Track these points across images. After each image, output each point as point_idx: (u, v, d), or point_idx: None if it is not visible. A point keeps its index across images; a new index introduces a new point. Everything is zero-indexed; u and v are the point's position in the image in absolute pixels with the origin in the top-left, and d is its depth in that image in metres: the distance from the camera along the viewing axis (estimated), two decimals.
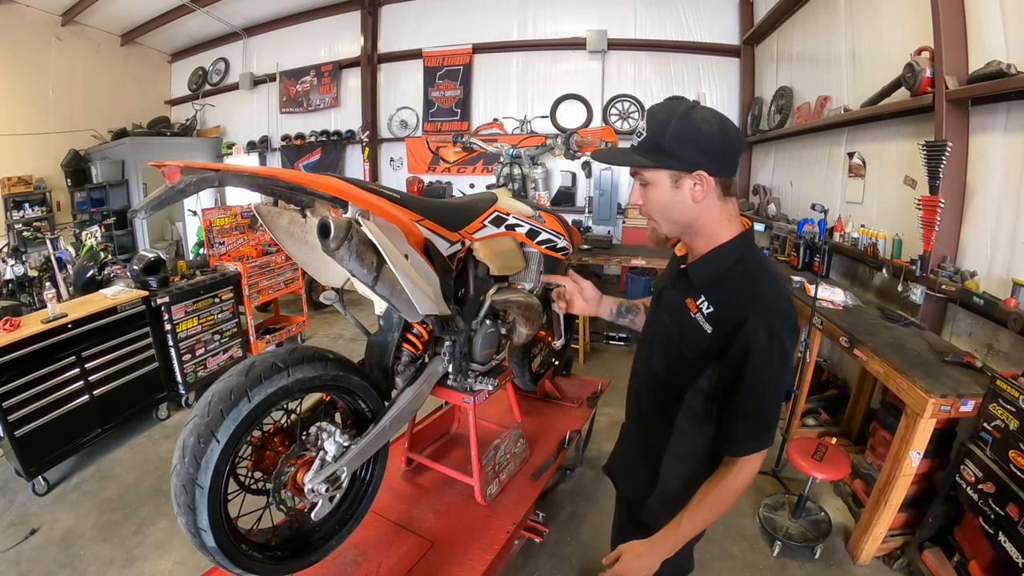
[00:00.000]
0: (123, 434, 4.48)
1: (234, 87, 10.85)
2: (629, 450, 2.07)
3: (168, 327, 4.66)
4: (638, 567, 1.63)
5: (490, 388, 2.66)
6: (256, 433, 1.86)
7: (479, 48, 9.23)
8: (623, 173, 8.72)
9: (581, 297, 2.13)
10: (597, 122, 8.80)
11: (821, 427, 4.66)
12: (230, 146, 11.00)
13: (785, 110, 6.65)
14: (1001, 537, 2.56)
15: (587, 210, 8.86)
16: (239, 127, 11.10)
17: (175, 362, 4.80)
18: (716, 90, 8.65)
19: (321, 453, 1.93)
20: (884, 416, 3.75)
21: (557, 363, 3.95)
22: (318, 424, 2.01)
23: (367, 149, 9.97)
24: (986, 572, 2.78)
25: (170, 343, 4.74)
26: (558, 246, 2.87)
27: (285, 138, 10.47)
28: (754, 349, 1.47)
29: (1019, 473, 2.51)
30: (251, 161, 10.79)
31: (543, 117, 8.79)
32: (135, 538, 3.42)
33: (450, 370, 2.52)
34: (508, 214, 2.60)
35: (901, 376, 3.08)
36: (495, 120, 9.06)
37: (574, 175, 8.98)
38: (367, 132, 9.88)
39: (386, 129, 9.98)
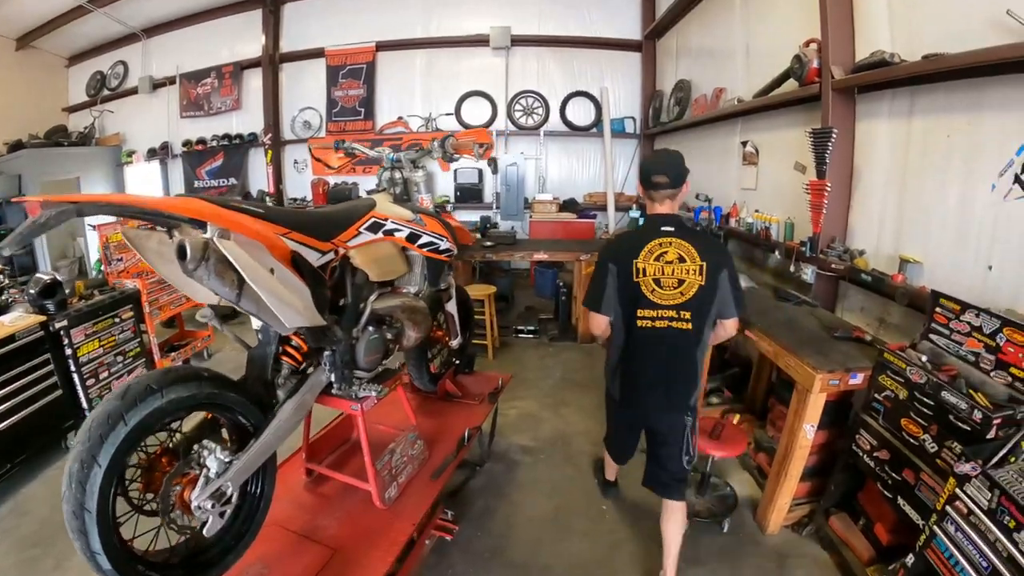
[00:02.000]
0: (35, 467, 4.11)
1: (133, 91, 10.14)
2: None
3: (69, 352, 4.30)
4: None
5: (374, 394, 2.61)
6: (143, 455, 1.84)
7: (383, 46, 9.08)
8: (530, 168, 8.89)
9: None
10: (502, 118, 8.88)
11: (725, 404, 4.76)
12: (130, 154, 10.31)
13: (683, 102, 6.81)
14: (900, 501, 2.64)
15: (495, 206, 8.88)
16: (139, 134, 10.38)
17: (79, 388, 4.43)
18: (619, 85, 8.82)
19: (204, 470, 1.90)
20: (780, 391, 3.85)
21: (458, 362, 3.92)
22: (200, 442, 1.97)
23: (269, 152, 9.58)
24: (891, 532, 2.88)
25: (72, 368, 4.38)
26: (441, 248, 2.86)
27: (186, 143, 9.89)
28: None
29: (911, 440, 2.60)
30: (151, 169, 10.23)
31: (448, 114, 8.78)
32: (56, 573, 3.16)
33: (333, 379, 2.46)
34: (386, 219, 2.56)
35: (789, 354, 3.15)
36: (400, 119, 8.72)
37: (480, 172, 8.99)
38: (269, 135, 9.48)
39: (289, 131, 9.59)
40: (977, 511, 2.11)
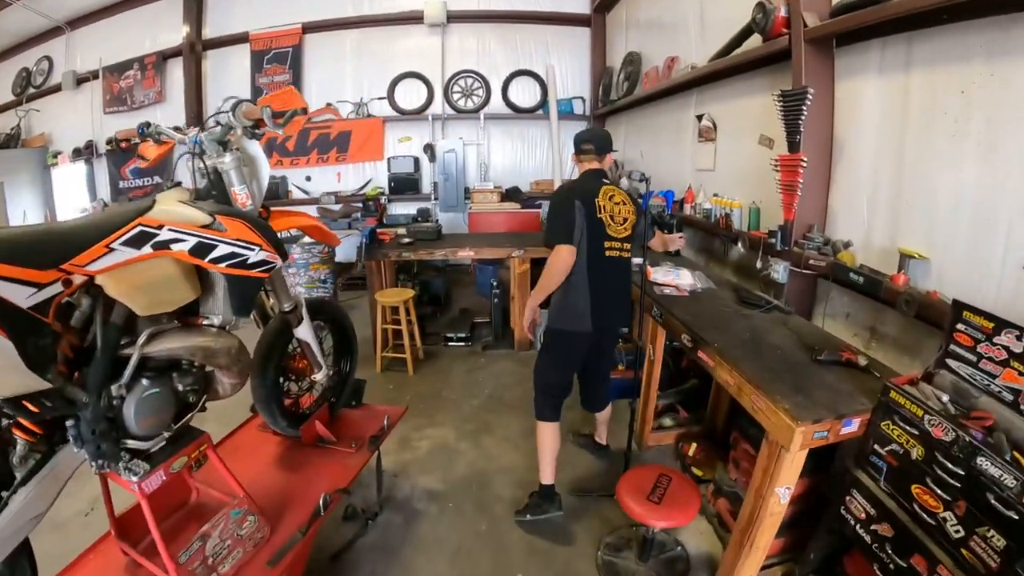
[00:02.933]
0: None
1: (58, 88, 9.34)
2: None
3: None
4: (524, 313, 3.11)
5: (135, 477, 1.88)
6: None
7: (310, 27, 8.33)
8: (471, 156, 8.32)
9: None
10: (439, 101, 8.25)
11: (680, 427, 3.97)
12: (56, 155, 9.48)
13: (633, 76, 6.08)
14: None
15: (433, 197, 8.26)
16: (65, 133, 9.54)
17: None
18: (566, 62, 8.23)
19: None
20: (744, 425, 3.06)
21: (334, 400, 3.11)
22: None
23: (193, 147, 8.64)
24: None
25: None
26: (250, 261, 2.03)
27: (110, 141, 8.97)
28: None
29: (926, 517, 1.81)
30: (77, 170, 9.43)
31: (381, 98, 8.26)
32: None
33: (86, 455, 1.78)
34: (160, 227, 1.80)
35: (757, 392, 2.33)
36: (328, 105, 8.27)
37: (416, 160, 8.31)
38: (191, 126, 8.47)
39: (212, 122, 8.62)
40: None
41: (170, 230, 1.81)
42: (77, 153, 9.36)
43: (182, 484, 2.45)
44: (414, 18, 8.07)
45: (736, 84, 4.11)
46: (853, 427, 2.12)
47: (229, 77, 8.68)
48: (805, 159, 3.03)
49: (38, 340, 1.58)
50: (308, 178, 8.55)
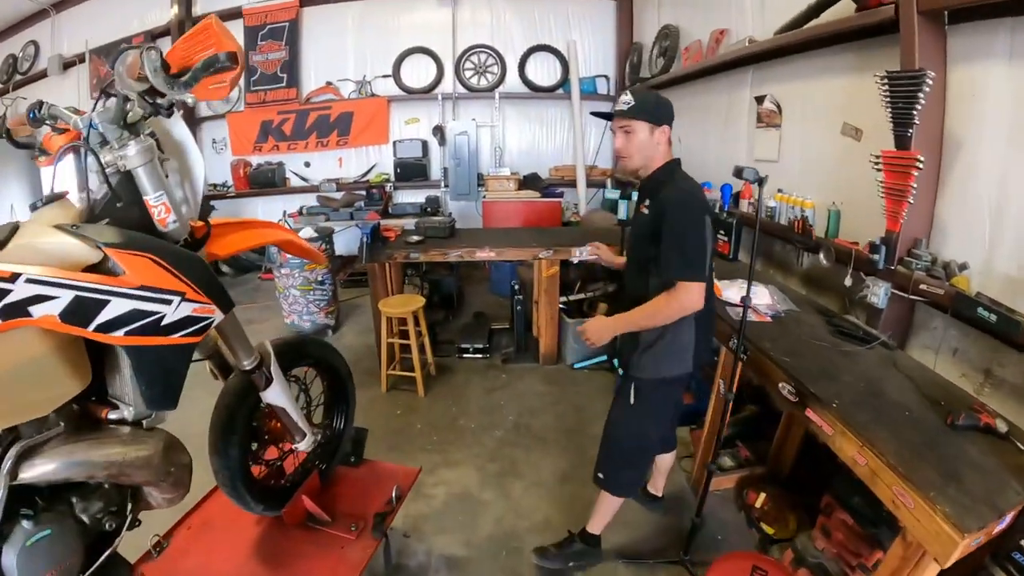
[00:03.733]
0: None
1: (44, 74, 8.79)
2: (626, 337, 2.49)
3: None
4: (597, 327, 2.40)
5: None
6: None
7: (308, 0, 7.64)
8: (484, 139, 7.66)
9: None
10: (449, 79, 7.58)
11: (742, 468, 3.37)
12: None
13: (670, 52, 5.41)
14: None
15: (443, 184, 7.61)
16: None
17: None
18: (589, 38, 7.54)
19: None
20: (845, 491, 2.45)
21: (324, 466, 2.43)
22: None
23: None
24: None
25: None
26: (166, 320, 1.33)
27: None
28: (670, 206, 2.20)
29: None
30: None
31: (386, 76, 7.58)
32: None
33: None
34: (12, 278, 1.12)
35: (906, 485, 1.72)
36: (328, 84, 7.70)
37: (425, 143, 7.66)
38: (182, 111, 7.90)
39: (205, 106, 8.19)
40: None
41: (30, 282, 1.14)
42: None
43: None
44: None
45: (810, 61, 3.46)
46: (1005, 523, 1.63)
47: None
48: (921, 159, 2.42)
49: None
50: (307, 164, 7.96)
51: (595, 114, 2.63)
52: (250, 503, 1.99)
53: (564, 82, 7.43)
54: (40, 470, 1.24)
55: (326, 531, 2.15)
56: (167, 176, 1.43)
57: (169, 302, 1.31)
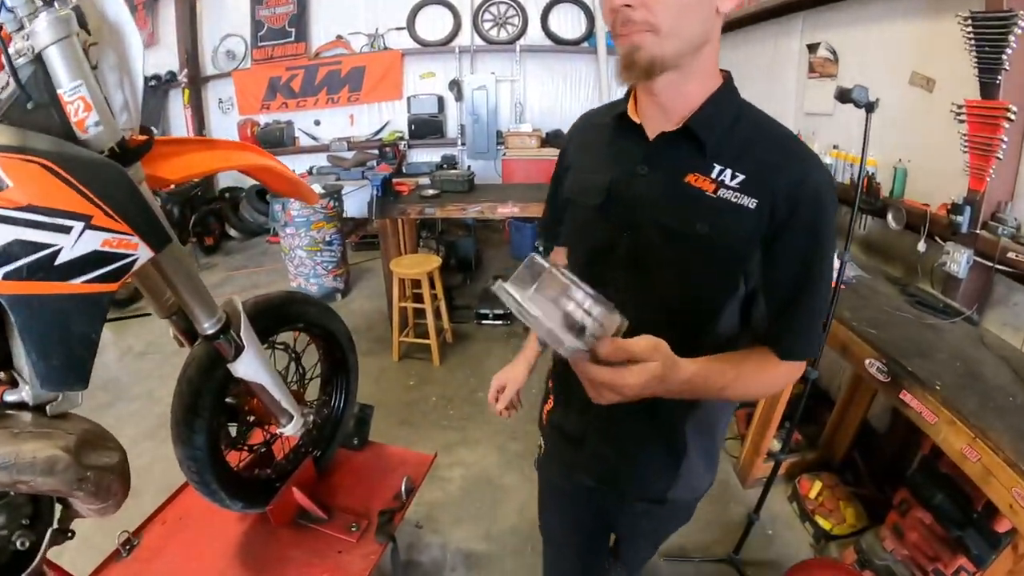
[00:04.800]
0: None
1: None
2: (625, 434, 1.33)
3: None
4: (645, 378, 0.92)
5: None
6: None
7: None
8: (504, 94, 7.29)
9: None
10: (467, 31, 7.22)
11: (794, 453, 3.07)
12: None
13: None
14: None
15: (460, 142, 7.36)
16: None
17: None
18: None
19: None
20: (925, 486, 2.17)
21: (319, 453, 2.07)
22: None
23: (187, 92, 7.93)
24: None
25: None
26: (62, 258, 0.95)
27: None
28: (827, 217, 1.07)
29: None
30: None
31: (399, 29, 7.24)
32: None
33: None
34: None
35: None
36: (339, 38, 7.40)
37: (441, 99, 7.37)
38: (185, 71, 7.85)
39: (211, 64, 7.99)
40: None
41: None
42: None
43: None
44: None
45: (871, 4, 3.12)
46: None
47: (226, 13, 7.84)
48: (1013, 109, 2.11)
49: None
50: (317, 122, 7.70)
51: None
52: (225, 500, 1.65)
53: (590, 35, 7.08)
54: None
55: (321, 531, 1.82)
56: (94, 66, 1.08)
57: (68, 229, 0.95)
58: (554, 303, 0.85)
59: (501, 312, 4.82)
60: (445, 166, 6.70)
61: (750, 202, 1.06)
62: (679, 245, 1.14)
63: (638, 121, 1.16)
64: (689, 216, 1.10)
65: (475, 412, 3.58)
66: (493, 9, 7.16)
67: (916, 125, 2.76)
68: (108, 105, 1.06)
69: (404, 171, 6.76)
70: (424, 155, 7.39)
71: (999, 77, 2.16)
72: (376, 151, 7.05)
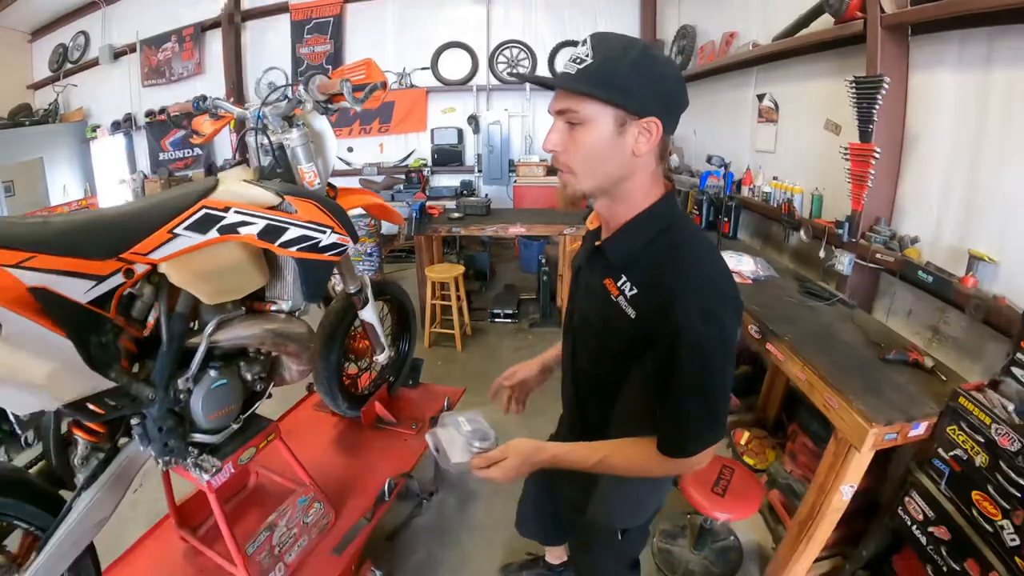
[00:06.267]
0: None
1: (95, 63, 9.35)
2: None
3: None
4: (513, 462, 1.41)
5: (206, 475, 1.89)
6: None
7: None
8: (515, 128, 8.06)
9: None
10: (483, 71, 8.08)
11: (732, 415, 3.95)
12: (94, 129, 9.56)
13: (687, 51, 5.92)
14: None
15: (477, 169, 8.18)
16: (103, 106, 9.60)
17: None
18: None
19: None
20: (805, 419, 3.04)
21: (393, 379, 3.13)
22: None
23: (232, 119, 8.68)
24: None
25: None
26: (322, 244, 1.95)
27: (149, 113, 8.90)
28: (685, 337, 1.19)
29: (984, 523, 1.83)
30: (116, 143, 9.55)
31: (424, 69, 8.06)
32: None
33: (153, 454, 1.76)
34: (226, 209, 1.71)
35: (832, 391, 2.31)
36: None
37: (460, 131, 8.21)
38: (231, 99, 8.53)
39: (253, 94, 8.78)
40: None
41: (237, 212, 1.73)
42: (116, 126, 9.43)
43: (241, 468, 2.50)
44: None
45: (801, 65, 3.97)
46: (920, 430, 2.12)
47: (269, 48, 8.64)
48: (878, 150, 2.94)
49: (99, 337, 1.51)
50: (350, 149, 8.47)
51: (530, 80, 1.73)
52: (339, 402, 2.67)
53: None
54: (229, 335, 1.82)
55: (393, 430, 2.87)
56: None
57: (323, 232, 1.93)
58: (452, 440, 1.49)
59: (510, 312, 5.76)
60: (464, 192, 7.51)
61: (632, 312, 1.28)
62: (588, 328, 1.48)
63: (595, 227, 1.49)
64: (597, 309, 1.40)
65: (490, 384, 4.41)
66: (507, 52, 8.00)
67: (828, 161, 3.52)
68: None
69: (427, 194, 7.49)
70: (445, 180, 8.15)
71: (871, 126, 2.97)
72: (403, 176, 7.81)
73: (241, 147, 2.11)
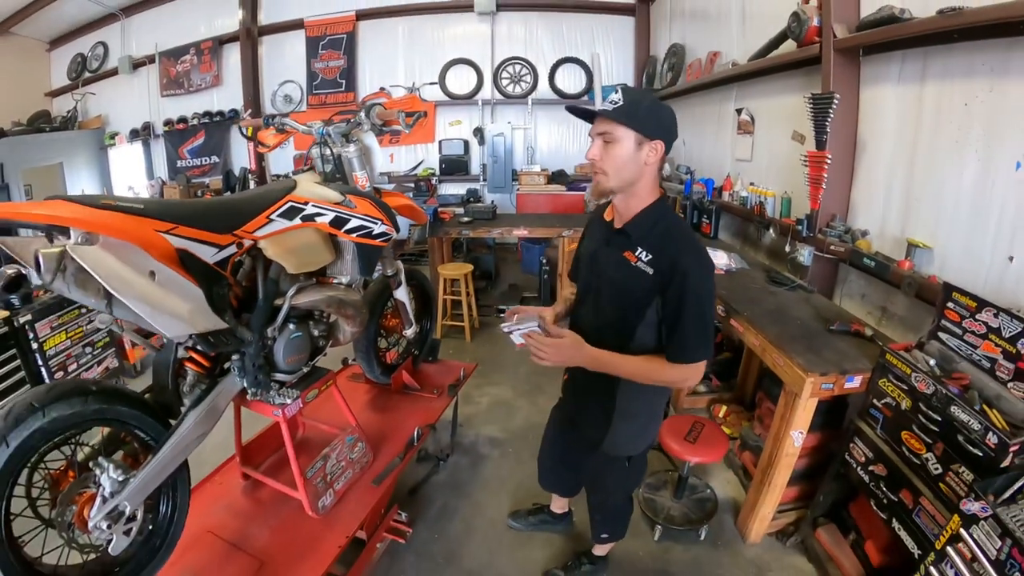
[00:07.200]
0: None
1: (113, 72, 9.77)
2: (582, 396, 2.32)
3: (35, 346, 4.09)
4: (567, 351, 1.96)
5: (294, 400, 2.40)
6: (48, 471, 1.79)
7: (363, 15, 8.63)
8: (518, 139, 8.52)
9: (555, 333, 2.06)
10: (488, 86, 8.51)
11: (712, 393, 4.46)
12: (113, 136, 9.97)
13: (677, 68, 6.41)
14: (895, 524, 2.33)
15: (482, 178, 8.59)
16: (121, 115, 10.01)
17: (47, 381, 4.14)
18: (611, 51, 8.43)
19: (100, 488, 1.78)
20: (769, 387, 3.49)
21: (417, 352, 3.65)
22: (96, 459, 1.84)
23: (250, 128, 9.05)
24: (882, 553, 2.57)
25: (39, 362, 4.14)
26: (374, 232, 2.49)
27: (167, 122, 9.52)
28: (691, 279, 1.83)
29: (912, 457, 2.27)
30: (134, 150, 9.97)
31: (432, 83, 8.36)
32: None
33: (246, 385, 2.24)
34: (306, 203, 2.24)
35: (777, 350, 2.80)
36: (382, 89, 8.31)
37: (466, 143, 8.66)
38: (249, 110, 9.09)
39: (270, 106, 9.16)
40: (983, 559, 1.80)
41: (314, 206, 2.25)
42: (135, 134, 9.79)
43: (293, 420, 2.98)
44: (464, 6, 8.27)
45: (773, 82, 4.44)
46: (855, 383, 2.58)
47: (285, 62, 9.01)
48: (830, 156, 3.42)
49: (219, 289, 1.98)
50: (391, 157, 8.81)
51: (573, 111, 1.99)
52: (374, 368, 3.19)
53: (589, 90, 8.29)
54: (305, 299, 2.30)
55: (418, 395, 3.38)
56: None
57: (375, 223, 2.46)
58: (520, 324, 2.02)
59: None
60: (471, 199, 7.89)
61: (649, 270, 1.87)
62: (614, 288, 2.01)
63: (609, 219, 2.05)
64: (621, 274, 1.96)
65: (496, 369, 5.01)
66: (510, 68, 8.44)
67: (794, 167, 3.93)
68: None
69: (436, 201, 7.90)
70: (452, 188, 8.53)
71: (825, 136, 3.45)
72: (412, 184, 8.26)
73: (305, 157, 2.65)
